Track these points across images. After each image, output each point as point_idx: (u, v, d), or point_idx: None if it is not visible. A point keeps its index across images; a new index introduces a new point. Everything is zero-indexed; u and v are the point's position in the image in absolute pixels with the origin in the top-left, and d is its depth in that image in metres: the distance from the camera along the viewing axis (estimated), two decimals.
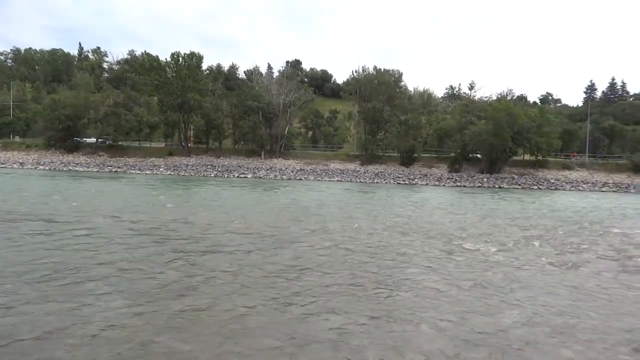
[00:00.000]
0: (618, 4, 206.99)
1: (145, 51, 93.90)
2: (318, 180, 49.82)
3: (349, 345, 5.85)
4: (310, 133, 75.92)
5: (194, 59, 60.40)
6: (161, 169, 52.75)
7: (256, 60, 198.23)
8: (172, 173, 50.87)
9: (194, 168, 53.35)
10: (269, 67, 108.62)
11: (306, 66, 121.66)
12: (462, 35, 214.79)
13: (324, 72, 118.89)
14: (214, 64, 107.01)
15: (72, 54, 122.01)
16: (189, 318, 6.57)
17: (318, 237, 13.41)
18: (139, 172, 51.15)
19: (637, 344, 6.12)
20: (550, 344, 6.09)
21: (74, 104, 61.40)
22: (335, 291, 8.08)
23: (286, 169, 55.02)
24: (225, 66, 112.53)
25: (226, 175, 50.26)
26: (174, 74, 58.83)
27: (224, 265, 9.57)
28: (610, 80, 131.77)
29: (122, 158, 58.08)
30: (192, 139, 66.62)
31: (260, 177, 49.83)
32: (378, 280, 8.95)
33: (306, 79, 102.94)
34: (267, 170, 53.84)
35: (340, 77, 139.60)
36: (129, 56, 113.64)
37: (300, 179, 49.69)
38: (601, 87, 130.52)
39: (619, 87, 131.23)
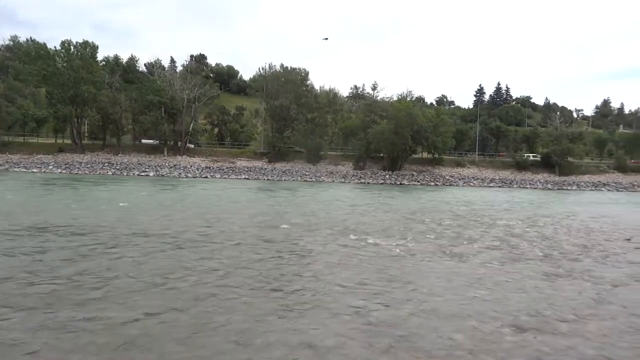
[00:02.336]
0: (504, 17, 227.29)
1: (30, 37, 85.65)
2: (224, 178, 48.86)
3: (253, 344, 5.76)
4: (217, 130, 74.10)
5: (88, 48, 56.25)
6: (50, 167, 48.40)
7: (158, 53, 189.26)
8: (64, 171, 46.89)
9: (88, 166, 49.63)
10: (172, 61, 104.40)
11: (211, 61, 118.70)
12: (367, 37, 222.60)
13: (230, 68, 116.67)
14: (111, 55, 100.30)
15: None
16: (81, 327, 6.07)
17: (222, 237, 13.11)
18: (24, 170, 46.49)
19: (518, 325, 6.72)
20: (444, 329, 6.47)
21: None
22: (238, 290, 7.93)
23: (191, 166, 53.25)
24: (124, 58, 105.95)
25: (125, 174, 47.44)
26: (64, 64, 54.26)
27: (125, 268, 8.98)
28: (496, 85, 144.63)
29: (4, 155, 52.34)
30: (86, 134, 61.90)
31: (162, 175, 47.72)
32: (283, 277, 8.94)
33: (212, 75, 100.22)
34: (171, 168, 51.71)
35: (246, 73, 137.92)
36: (11, 42, 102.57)
37: (206, 177, 48.39)
38: (489, 91, 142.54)
39: (503, 91, 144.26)
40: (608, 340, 6.23)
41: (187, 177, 48.02)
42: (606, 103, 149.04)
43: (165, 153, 57.74)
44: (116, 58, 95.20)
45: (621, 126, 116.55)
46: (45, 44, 56.88)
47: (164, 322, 6.36)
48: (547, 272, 10.15)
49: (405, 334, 6.26)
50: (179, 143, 59.14)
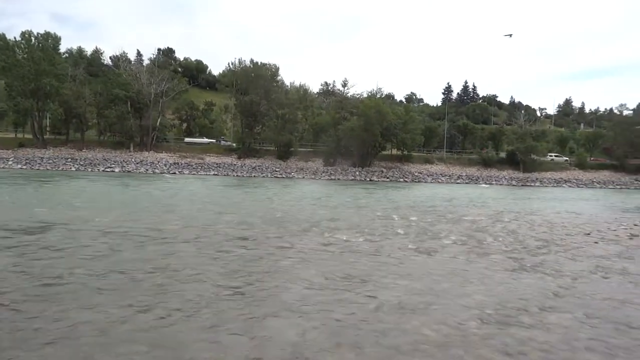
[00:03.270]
0: (471, 17, 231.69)
1: None
2: (193, 174, 48.17)
3: (218, 342, 5.70)
4: (185, 125, 72.87)
5: (50, 39, 54.20)
6: (10, 162, 46.55)
7: (124, 46, 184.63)
8: (24, 167, 45.19)
9: (50, 161, 47.92)
10: (139, 54, 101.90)
11: (180, 55, 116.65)
12: (337, 33, 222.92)
13: (199, 62, 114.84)
14: (74, 47, 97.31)
15: None
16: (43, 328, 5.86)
17: (187, 233, 12.90)
18: None
19: (484, 318, 6.86)
20: (412, 324, 6.55)
21: None
22: (204, 289, 7.82)
23: (158, 162, 52.20)
24: (88, 50, 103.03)
25: (90, 170, 46.09)
26: (25, 56, 52.22)
27: (84, 266, 8.73)
28: (463, 84, 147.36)
29: None
30: (48, 129, 59.80)
31: (129, 171, 46.59)
32: (249, 274, 8.87)
33: (180, 69, 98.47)
34: (137, 163, 50.54)
35: (216, 68, 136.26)
36: None
37: (174, 173, 47.57)
38: (457, 89, 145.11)
39: (470, 90, 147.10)
40: (568, 331, 6.44)
41: (154, 172, 47.05)
42: (568, 102, 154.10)
43: (132, 149, 56.40)
44: (80, 50, 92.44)
45: (582, 125, 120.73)
46: (4, 34, 54.56)
47: (125, 321, 6.22)
48: (511, 266, 10.41)
49: (372, 329, 6.30)
50: (145, 138, 57.81)
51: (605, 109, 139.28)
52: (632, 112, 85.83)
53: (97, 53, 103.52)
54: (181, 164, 52.25)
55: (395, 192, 35.45)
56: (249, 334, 5.96)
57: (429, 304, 7.48)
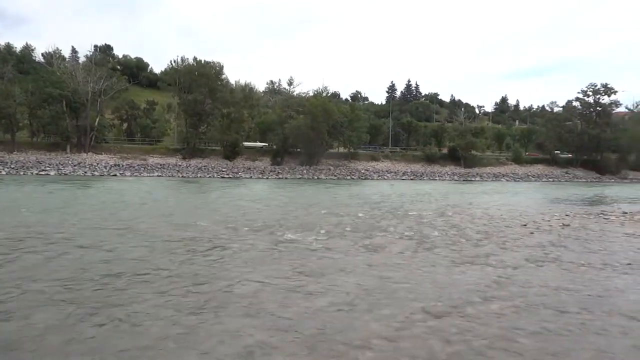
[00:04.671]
0: (413, 17, 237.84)
1: None
2: (136, 176, 46.49)
3: (166, 348, 5.55)
4: (126, 125, 70.09)
5: None
6: None
7: (57, 43, 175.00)
8: None
9: None
10: (74, 51, 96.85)
11: (118, 52, 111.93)
12: (282, 32, 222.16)
13: (139, 60, 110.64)
14: (2, 43, 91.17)
15: None
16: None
17: (131, 237, 12.46)
18: None
19: (430, 310, 7.08)
20: (362, 320, 6.66)
21: None
22: (150, 293, 7.58)
23: (98, 164, 49.96)
24: (18, 47, 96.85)
25: (22, 173, 43.39)
26: None
27: (17, 276, 8.22)
28: (406, 82, 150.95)
29: None
30: None
31: (65, 174, 44.26)
32: (197, 276, 8.69)
33: (119, 67, 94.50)
34: (75, 166, 48.13)
35: (157, 66, 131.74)
36: None
37: (115, 175, 45.71)
38: (400, 88, 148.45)
39: (413, 88, 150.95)
40: (508, 319, 6.78)
41: (93, 175, 44.99)
42: (504, 100, 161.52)
43: (69, 150, 53.64)
44: (8, 46, 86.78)
45: (517, 122, 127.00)
46: None
47: (63, 333, 5.93)
48: (455, 258, 10.81)
49: (323, 327, 6.35)
50: (83, 139, 55.14)
51: (538, 106, 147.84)
52: (561, 109, 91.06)
53: (27, 49, 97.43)
54: (122, 166, 50.29)
55: (343, 189, 35.84)
56: (198, 337, 5.84)
57: (378, 299, 7.63)
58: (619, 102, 76.01)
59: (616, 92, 73.53)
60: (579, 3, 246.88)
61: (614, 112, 79.22)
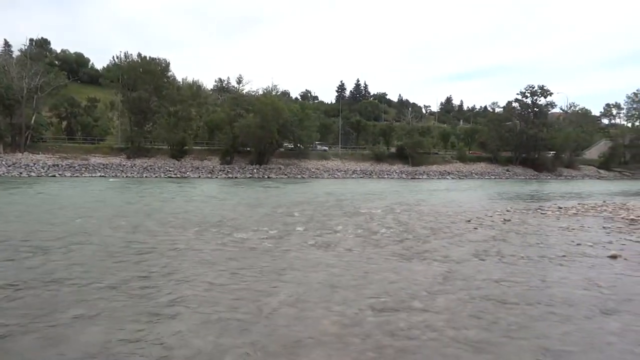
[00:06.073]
0: (362, 17, 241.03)
1: None
2: (76, 176, 44.48)
3: (114, 354, 5.33)
4: (65, 123, 66.69)
5: None
6: None
7: None
8: None
9: None
10: (7, 45, 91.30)
11: (56, 47, 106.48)
12: (231, 30, 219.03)
13: (80, 55, 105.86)
14: None
15: None
16: None
17: (72, 240, 11.88)
18: None
19: (378, 306, 7.19)
20: (312, 317, 6.66)
21: None
22: (94, 297, 7.26)
23: (35, 164, 47.36)
24: None
25: None
26: None
27: None
28: (355, 82, 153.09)
29: None
30: None
31: None
32: (146, 279, 8.41)
33: (57, 62, 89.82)
34: (9, 166, 45.40)
35: (99, 62, 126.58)
36: None
37: (54, 176, 43.51)
38: (349, 87, 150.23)
39: (362, 87, 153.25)
40: (454, 312, 6.98)
41: (29, 176, 42.61)
42: (449, 100, 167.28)
43: (2, 150, 50.48)
44: None
45: (461, 121, 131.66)
46: None
47: (7, 340, 5.57)
48: (403, 254, 11.04)
49: (273, 326, 6.31)
50: (18, 138, 52.04)
51: (481, 106, 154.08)
52: (502, 109, 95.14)
53: None
54: (62, 166, 47.92)
55: (293, 188, 35.80)
56: (149, 340, 5.64)
57: (328, 296, 7.66)
58: (554, 103, 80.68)
59: (552, 93, 77.89)
60: (521, 9, 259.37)
61: (549, 112, 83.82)
